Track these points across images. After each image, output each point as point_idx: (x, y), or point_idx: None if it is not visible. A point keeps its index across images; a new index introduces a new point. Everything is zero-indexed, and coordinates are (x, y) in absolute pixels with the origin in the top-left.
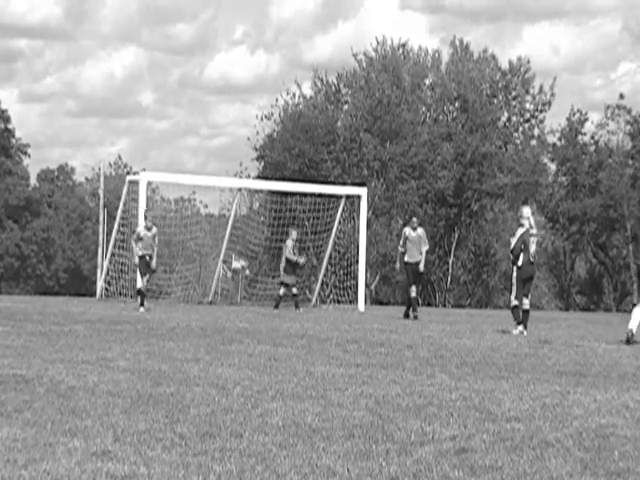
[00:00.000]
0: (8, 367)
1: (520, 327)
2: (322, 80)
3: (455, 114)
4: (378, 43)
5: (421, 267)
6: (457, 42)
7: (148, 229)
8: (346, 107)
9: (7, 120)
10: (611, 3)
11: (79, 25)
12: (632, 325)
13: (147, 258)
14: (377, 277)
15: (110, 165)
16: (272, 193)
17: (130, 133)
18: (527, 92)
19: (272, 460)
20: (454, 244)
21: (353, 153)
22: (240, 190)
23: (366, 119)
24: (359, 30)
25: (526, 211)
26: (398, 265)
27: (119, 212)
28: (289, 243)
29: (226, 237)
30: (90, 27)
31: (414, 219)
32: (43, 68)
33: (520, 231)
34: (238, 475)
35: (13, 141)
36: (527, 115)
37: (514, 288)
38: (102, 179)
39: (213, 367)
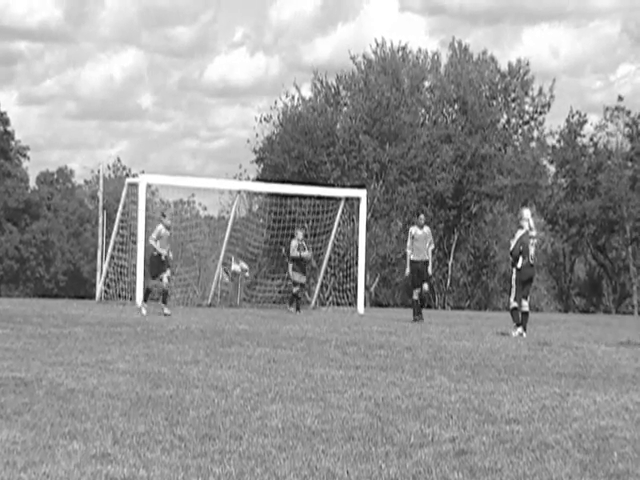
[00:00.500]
0: (7, 370)
1: (519, 329)
2: (322, 82)
3: (454, 116)
4: (378, 45)
5: (429, 270)
6: (456, 44)
7: (167, 228)
8: (345, 109)
9: (6, 122)
10: (610, 5)
11: (79, 27)
12: None
13: (163, 257)
14: (376, 279)
15: (109, 167)
16: (271, 195)
17: (130, 135)
18: (526, 94)
19: (272, 462)
20: (453, 246)
21: (352, 155)
22: (239, 192)
23: (365, 121)
24: (359, 32)
25: (526, 213)
26: (408, 271)
27: (118, 215)
28: (293, 243)
29: (225, 239)
30: (90, 29)
31: (421, 216)
32: (43, 70)
33: (519, 233)
34: (237, 477)
35: (12, 143)
36: (526, 117)
37: (513, 290)
38: (101, 181)
39: (212, 369)
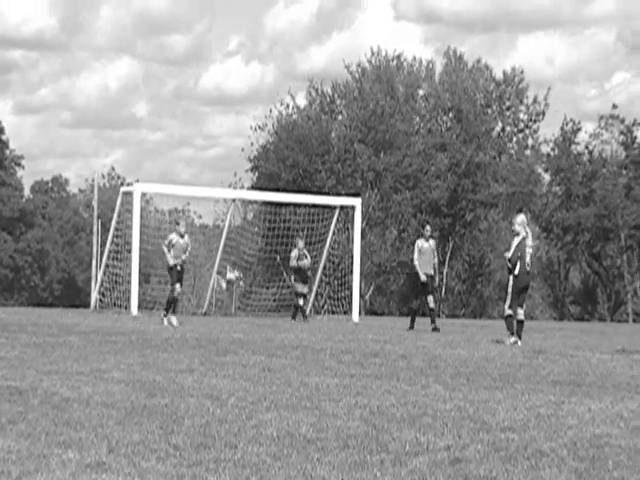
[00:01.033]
0: (2, 378)
1: (513, 337)
2: (317, 91)
3: (449, 124)
4: (373, 54)
5: (437, 281)
6: (451, 52)
7: (181, 236)
8: (340, 118)
9: (1, 131)
10: (605, 13)
11: (74, 36)
12: None
13: (178, 267)
14: (371, 287)
15: (104, 176)
16: (266, 204)
17: (124, 144)
18: (521, 102)
19: (267, 471)
20: (448, 254)
21: (347, 164)
22: (234, 201)
23: (360, 130)
24: (354, 41)
25: (520, 218)
26: (423, 277)
27: (113, 223)
28: (293, 253)
29: (220, 248)
30: (85, 38)
31: (427, 227)
32: (38, 79)
33: (517, 240)
34: None
35: (7, 152)
36: (521, 125)
37: (509, 297)
38: (96, 190)
39: (207, 378)
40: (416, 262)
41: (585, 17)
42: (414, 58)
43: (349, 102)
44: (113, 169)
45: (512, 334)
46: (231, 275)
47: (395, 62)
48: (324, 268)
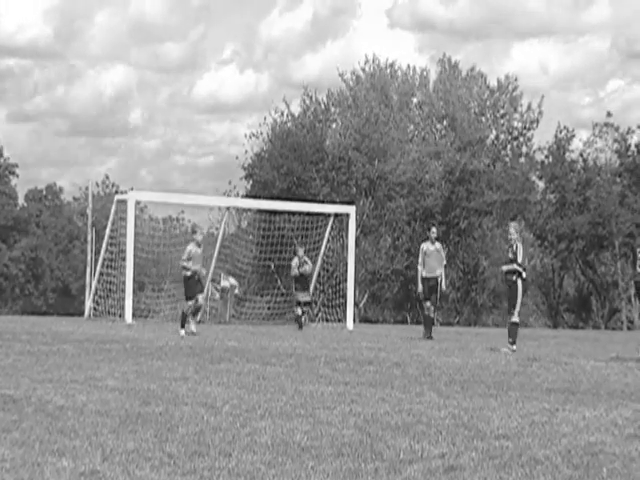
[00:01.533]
0: None
1: (514, 347)
2: (311, 98)
3: (443, 132)
4: (367, 62)
5: (443, 286)
6: (445, 60)
7: (199, 245)
8: (334, 125)
9: None
10: (600, 21)
11: (68, 44)
12: None
13: (196, 277)
14: (366, 295)
15: (98, 185)
16: (261, 212)
17: (119, 152)
18: (515, 110)
19: (261, 479)
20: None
21: (341, 171)
22: (229, 209)
23: (354, 137)
24: (348, 49)
25: (515, 227)
26: (420, 288)
27: (107, 231)
28: (294, 262)
29: (215, 256)
30: (79, 46)
31: (433, 229)
32: (32, 87)
33: (521, 246)
34: None
35: (1, 161)
36: (515, 133)
37: (519, 303)
38: (90, 198)
39: (202, 386)
40: (419, 267)
41: (579, 25)
42: (408, 66)
43: (343, 110)
44: (107, 177)
45: (513, 343)
46: (226, 283)
47: (389, 70)
48: (318, 276)
